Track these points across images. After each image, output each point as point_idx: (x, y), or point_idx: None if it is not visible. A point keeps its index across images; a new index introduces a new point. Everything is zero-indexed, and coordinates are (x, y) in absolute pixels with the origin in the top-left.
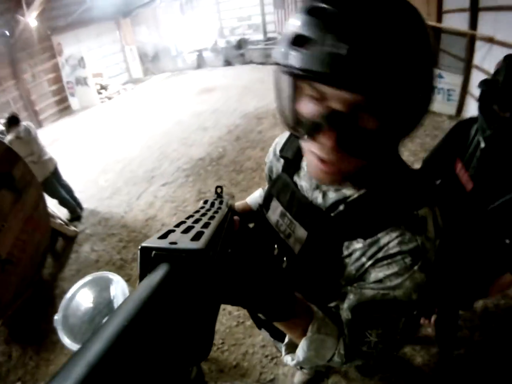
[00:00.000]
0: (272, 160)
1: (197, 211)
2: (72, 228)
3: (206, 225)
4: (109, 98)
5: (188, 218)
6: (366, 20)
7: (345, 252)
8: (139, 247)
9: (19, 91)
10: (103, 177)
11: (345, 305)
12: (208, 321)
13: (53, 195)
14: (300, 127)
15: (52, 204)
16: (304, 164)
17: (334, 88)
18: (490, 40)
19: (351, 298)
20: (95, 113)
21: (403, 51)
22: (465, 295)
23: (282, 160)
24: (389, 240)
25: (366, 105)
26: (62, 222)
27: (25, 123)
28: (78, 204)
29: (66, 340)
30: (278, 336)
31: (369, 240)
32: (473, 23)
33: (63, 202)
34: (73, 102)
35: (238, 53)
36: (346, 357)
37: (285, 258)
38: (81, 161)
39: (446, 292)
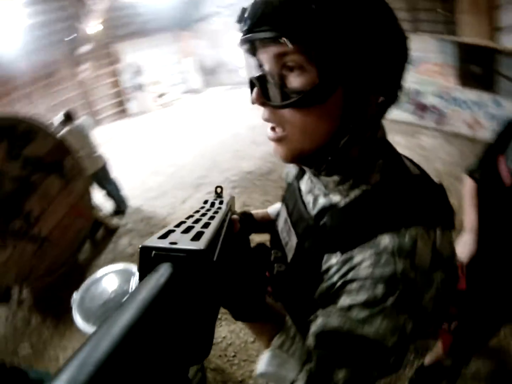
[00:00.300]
0: (289, 166)
1: (197, 211)
2: (115, 220)
3: (206, 225)
4: (166, 106)
5: (188, 218)
6: None
7: (323, 267)
8: (139, 246)
9: (79, 91)
10: (153, 178)
11: (312, 329)
12: (208, 321)
13: (103, 187)
14: (251, 98)
15: (100, 197)
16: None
17: (263, 47)
18: None
19: (317, 323)
20: (151, 118)
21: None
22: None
23: (296, 167)
24: (362, 259)
25: (281, 55)
26: (105, 214)
27: (83, 118)
28: (124, 200)
29: (78, 319)
30: None
31: (344, 257)
32: None
33: (110, 195)
34: (130, 106)
35: None
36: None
37: (275, 266)
38: (133, 161)
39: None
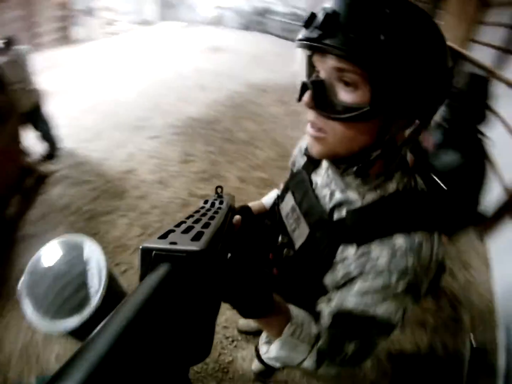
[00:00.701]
0: (297, 155)
1: (197, 211)
2: (46, 166)
3: (206, 225)
4: (114, 35)
5: (188, 218)
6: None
7: (338, 258)
8: (140, 247)
9: (23, 11)
10: (89, 116)
11: (327, 310)
12: (208, 321)
13: (36, 127)
14: (298, 97)
15: (30, 138)
16: (323, 162)
17: (321, 56)
18: None
19: (332, 305)
20: (97, 47)
21: (391, 28)
22: None
23: (305, 158)
24: (380, 254)
25: (340, 70)
26: (36, 159)
27: (22, 47)
28: (56, 142)
29: (29, 308)
30: None
31: (361, 250)
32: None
33: (45, 137)
34: (76, 31)
35: (260, 20)
36: (318, 363)
37: (285, 250)
38: (70, 94)
39: None
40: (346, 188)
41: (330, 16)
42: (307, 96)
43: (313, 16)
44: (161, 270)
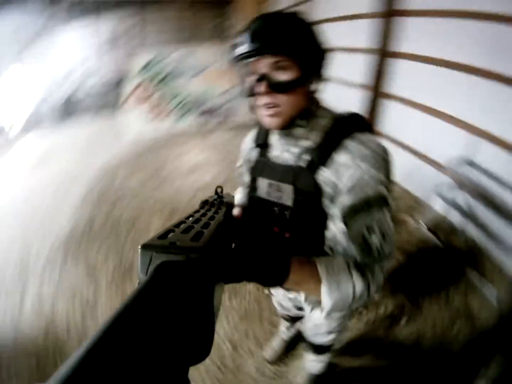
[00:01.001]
0: (246, 155)
1: (197, 211)
2: None
3: (206, 226)
4: None
5: (188, 218)
6: (267, 24)
7: (319, 179)
8: (139, 246)
9: None
10: None
11: (337, 221)
12: (209, 320)
13: None
14: (251, 91)
15: None
16: (272, 140)
17: (257, 60)
18: None
19: (337, 213)
20: None
21: (290, 31)
22: None
23: (256, 148)
24: (341, 157)
25: (276, 62)
26: None
27: None
28: None
29: None
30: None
31: (331, 167)
32: None
33: None
34: None
35: (68, 110)
36: (365, 279)
37: (286, 212)
38: None
39: None
40: (297, 141)
41: (263, 32)
42: (263, 85)
43: (243, 40)
44: (161, 269)
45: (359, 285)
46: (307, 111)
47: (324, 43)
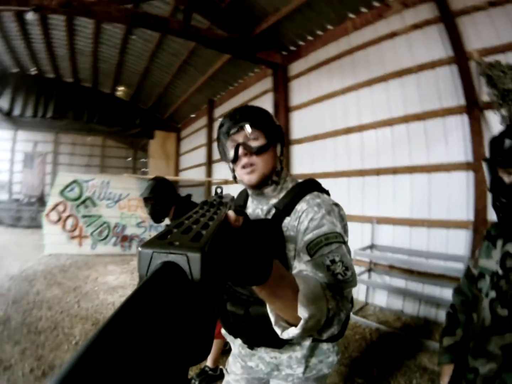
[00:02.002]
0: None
1: (196, 212)
2: None
3: (205, 226)
4: None
5: (187, 218)
6: (242, 109)
7: (284, 227)
8: (139, 248)
9: None
10: None
11: (302, 255)
12: (207, 321)
13: None
14: (233, 157)
15: None
16: (248, 202)
17: (237, 133)
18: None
19: (303, 248)
20: None
21: (257, 114)
22: None
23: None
24: (301, 206)
25: (249, 134)
26: None
27: None
28: None
29: None
30: (255, 343)
31: (292, 215)
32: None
33: None
34: None
35: None
36: (333, 294)
37: None
38: None
39: None
40: (268, 199)
41: (241, 114)
42: (241, 149)
43: (226, 122)
44: (160, 270)
45: (331, 303)
46: (277, 172)
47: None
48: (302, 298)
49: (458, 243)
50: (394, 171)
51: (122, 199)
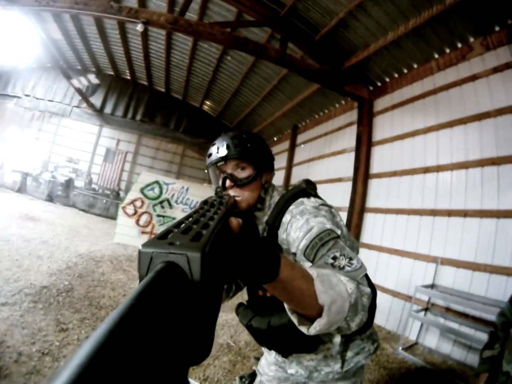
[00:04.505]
0: None
1: (196, 212)
2: None
3: (205, 226)
4: None
5: (187, 218)
6: (230, 139)
7: (279, 240)
8: (139, 247)
9: None
10: None
11: (302, 263)
12: (208, 320)
13: None
14: (223, 186)
15: None
16: None
17: (224, 164)
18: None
19: (301, 257)
20: None
21: (245, 143)
22: None
23: None
24: (286, 217)
25: (237, 165)
26: None
27: None
28: None
29: None
30: (287, 352)
31: (281, 228)
32: None
33: None
34: None
35: (62, 192)
36: (349, 276)
37: None
38: None
39: None
40: (261, 219)
41: (228, 145)
42: (228, 182)
43: (214, 152)
44: (160, 270)
45: (350, 285)
46: (261, 198)
47: (270, 149)
48: (318, 284)
49: None
50: (465, 213)
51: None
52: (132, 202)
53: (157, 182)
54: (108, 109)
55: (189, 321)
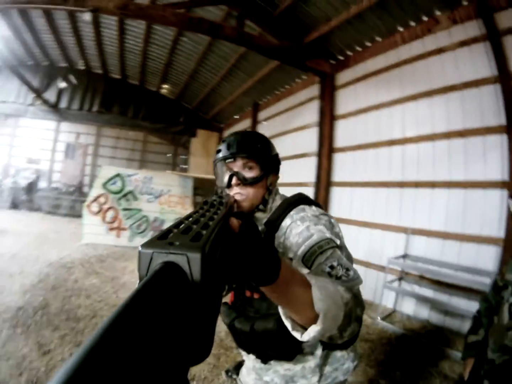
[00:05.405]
0: None
1: (196, 212)
2: None
3: (205, 226)
4: None
5: (187, 218)
6: (241, 138)
7: (276, 242)
8: (139, 248)
9: None
10: None
11: (299, 269)
12: (208, 320)
13: None
14: (228, 184)
15: None
16: None
17: (233, 162)
18: None
19: (298, 264)
20: None
21: (255, 143)
22: None
23: None
24: (285, 222)
25: (245, 164)
26: None
27: None
28: None
29: None
30: (266, 357)
31: (279, 231)
32: None
33: None
34: None
35: (26, 197)
36: (345, 285)
37: None
38: None
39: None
40: (260, 221)
41: (238, 143)
42: (234, 180)
43: (224, 148)
44: (160, 270)
45: (346, 295)
46: (265, 200)
47: (277, 152)
48: (316, 291)
49: (488, 258)
50: (433, 185)
51: (163, 194)
52: (96, 199)
53: (119, 175)
54: (63, 104)
55: (189, 321)
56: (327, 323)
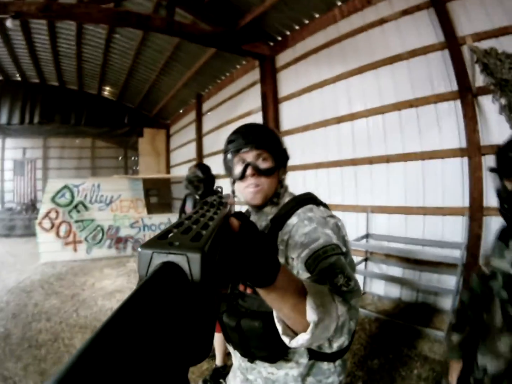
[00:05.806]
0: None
1: (196, 212)
2: None
3: (205, 226)
4: None
5: (187, 218)
6: (254, 129)
7: (279, 240)
8: (139, 247)
9: None
10: None
11: (300, 271)
12: (207, 320)
13: None
14: (240, 175)
15: None
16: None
17: (246, 152)
18: (217, 176)
19: (300, 266)
20: None
21: (268, 135)
22: None
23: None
24: (292, 220)
25: (259, 155)
26: None
27: None
28: None
29: None
30: (250, 355)
31: (284, 229)
32: None
33: None
34: None
35: None
36: (342, 300)
37: None
38: None
39: None
40: (266, 216)
41: (253, 134)
42: (250, 170)
43: (237, 138)
44: (160, 270)
45: (341, 308)
46: (277, 193)
47: (286, 147)
48: (311, 300)
49: (454, 230)
50: (387, 159)
51: (113, 201)
52: (47, 215)
53: (66, 186)
54: (3, 119)
55: (189, 321)
56: (316, 334)
